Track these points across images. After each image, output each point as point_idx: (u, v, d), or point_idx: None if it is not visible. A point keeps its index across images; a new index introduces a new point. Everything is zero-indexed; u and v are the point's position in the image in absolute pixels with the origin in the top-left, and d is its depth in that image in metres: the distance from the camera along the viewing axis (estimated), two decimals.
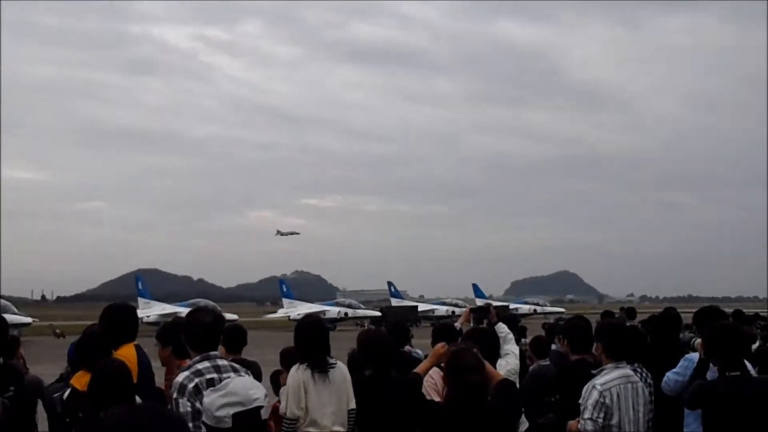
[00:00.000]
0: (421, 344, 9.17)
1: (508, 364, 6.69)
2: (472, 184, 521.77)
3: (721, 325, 5.34)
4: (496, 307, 8.32)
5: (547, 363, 8.78)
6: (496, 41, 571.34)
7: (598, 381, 5.42)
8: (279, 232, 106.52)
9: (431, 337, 7.29)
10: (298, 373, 5.88)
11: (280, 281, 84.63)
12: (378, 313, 66.17)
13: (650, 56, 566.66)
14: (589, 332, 6.31)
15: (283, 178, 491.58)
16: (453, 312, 70.76)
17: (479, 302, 67.25)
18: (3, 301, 47.84)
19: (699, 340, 6.32)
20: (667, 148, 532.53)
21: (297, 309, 69.33)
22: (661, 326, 7.86)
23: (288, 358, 6.76)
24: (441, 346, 5.86)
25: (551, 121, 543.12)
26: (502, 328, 7.56)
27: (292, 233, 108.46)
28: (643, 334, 8.10)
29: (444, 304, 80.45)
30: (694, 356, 6.28)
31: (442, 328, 7.48)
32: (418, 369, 5.98)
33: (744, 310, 16.93)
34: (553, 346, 9.20)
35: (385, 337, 6.29)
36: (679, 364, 6.42)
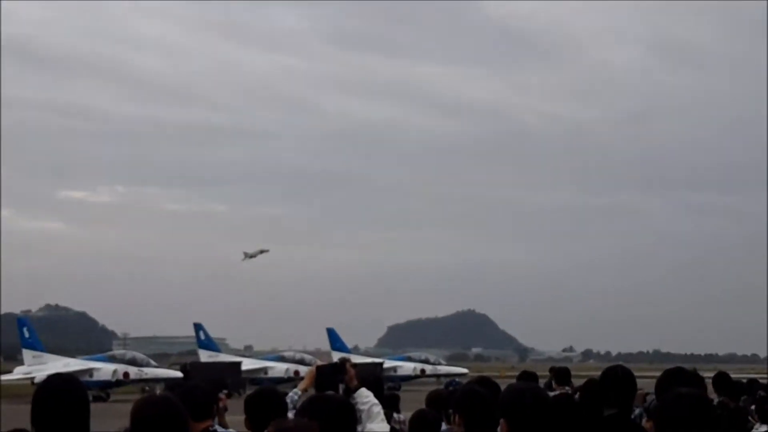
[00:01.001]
0: (238, 421, 9.16)
1: None
2: (331, 173, 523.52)
3: (677, 395, 5.49)
4: (358, 365, 8.41)
5: None
6: None
7: None
8: (246, 255, 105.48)
9: (244, 410, 7.26)
10: None
11: (19, 321, 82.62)
12: (179, 374, 65.56)
13: None
14: (494, 404, 6.45)
15: (29, 156, 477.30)
16: (296, 372, 71.09)
17: (337, 357, 66.70)
18: None
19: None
20: (628, 124, 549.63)
21: (47, 366, 67.82)
22: (604, 395, 8.07)
23: None
24: None
25: (455, 79, 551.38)
26: (364, 397, 7.68)
27: (261, 252, 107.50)
28: (577, 406, 8.33)
29: (283, 359, 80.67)
30: None
31: (262, 397, 7.46)
32: None
33: (733, 375, 17.69)
34: (444, 426, 9.36)
35: (175, 409, 6.19)
36: None
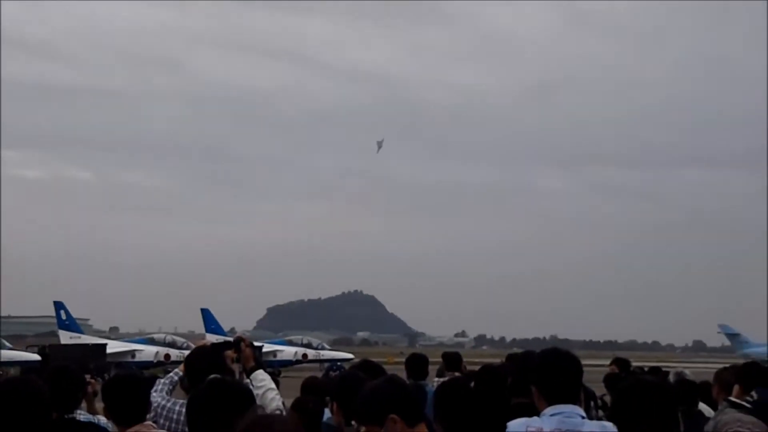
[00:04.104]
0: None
1: None
2: (204, 140, 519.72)
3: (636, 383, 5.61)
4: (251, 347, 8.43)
5: None
6: None
7: None
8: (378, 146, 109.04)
9: (102, 398, 7.11)
10: None
11: None
12: (36, 357, 64.83)
13: None
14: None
15: None
16: (167, 356, 70.76)
17: (213, 339, 66.82)
18: None
19: None
20: (531, 96, 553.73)
21: None
22: (497, 381, 8.24)
23: None
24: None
25: (343, 39, 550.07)
26: (259, 381, 7.87)
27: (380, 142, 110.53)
28: (471, 394, 8.46)
29: (152, 342, 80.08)
30: (515, 426, 6.74)
31: (123, 383, 7.24)
32: None
33: (634, 363, 18.09)
34: (326, 414, 9.42)
35: (37, 394, 6.17)
36: None
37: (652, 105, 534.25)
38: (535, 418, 6.67)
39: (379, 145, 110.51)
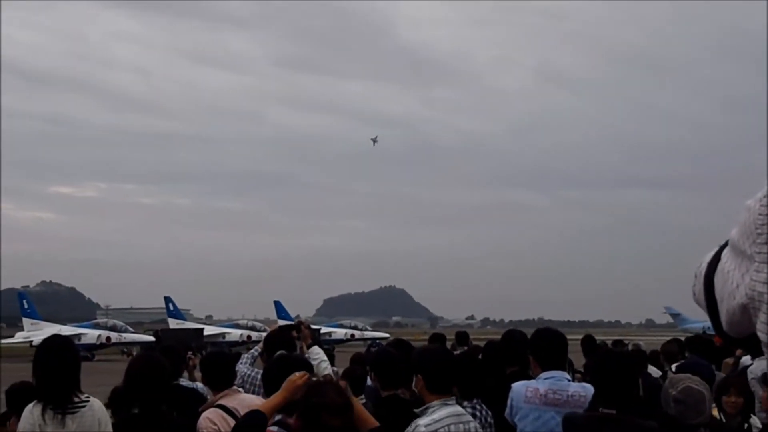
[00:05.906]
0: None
1: None
2: (275, 173, 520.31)
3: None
4: (309, 328, 8.48)
5: (363, 400, 8.91)
6: None
7: (423, 422, 5.58)
8: (374, 141, 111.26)
9: (200, 369, 7.14)
10: (32, 415, 5.71)
11: (20, 295, 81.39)
12: (151, 338, 65.01)
13: (498, 18, 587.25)
14: (405, 362, 6.59)
15: (22, 158, 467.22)
16: (249, 337, 70.74)
17: (282, 324, 66.39)
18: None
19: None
20: (516, 135, 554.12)
21: (43, 332, 66.80)
22: (506, 355, 8.15)
23: (18, 398, 6.51)
24: (300, 376, 5.28)
25: (375, 96, 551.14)
26: (315, 354, 7.87)
27: (375, 139, 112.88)
28: (478, 363, 8.38)
29: (237, 326, 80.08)
30: (517, 387, 6.72)
31: (215, 358, 7.23)
32: (266, 405, 5.32)
33: (599, 338, 17.93)
34: (369, 381, 9.37)
35: (162, 366, 6.18)
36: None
37: (604, 139, 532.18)
38: (533, 380, 6.73)
39: (374, 141, 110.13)
